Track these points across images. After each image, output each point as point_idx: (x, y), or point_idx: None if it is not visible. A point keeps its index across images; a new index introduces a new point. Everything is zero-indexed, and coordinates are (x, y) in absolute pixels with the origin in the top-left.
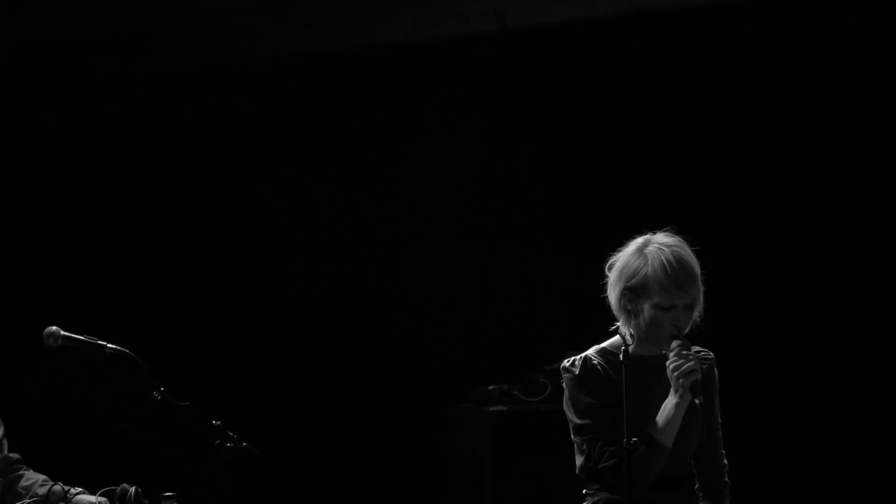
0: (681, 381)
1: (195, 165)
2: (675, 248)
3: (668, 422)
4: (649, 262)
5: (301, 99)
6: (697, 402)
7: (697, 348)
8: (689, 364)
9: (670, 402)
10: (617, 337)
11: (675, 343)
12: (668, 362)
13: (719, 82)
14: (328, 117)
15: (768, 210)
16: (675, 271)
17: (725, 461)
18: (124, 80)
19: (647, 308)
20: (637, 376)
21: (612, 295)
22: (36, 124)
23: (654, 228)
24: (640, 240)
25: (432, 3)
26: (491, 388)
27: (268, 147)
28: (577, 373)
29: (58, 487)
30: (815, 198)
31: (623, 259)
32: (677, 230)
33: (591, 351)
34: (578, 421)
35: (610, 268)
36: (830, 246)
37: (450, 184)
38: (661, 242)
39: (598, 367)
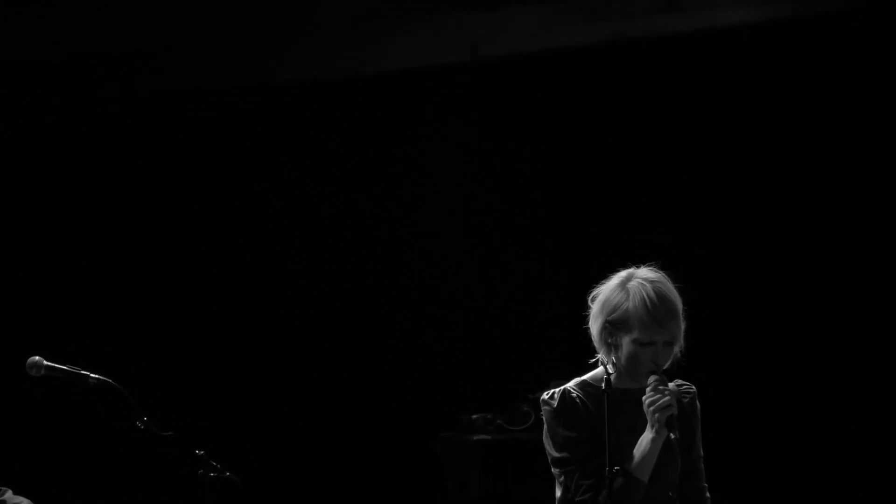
0: (656, 415)
1: (197, 175)
2: (657, 284)
3: (644, 456)
4: (631, 296)
5: (303, 117)
6: (673, 436)
7: (679, 381)
8: (664, 399)
9: (646, 436)
10: (599, 369)
11: (651, 378)
12: (644, 397)
13: (694, 109)
14: (328, 135)
15: (753, 242)
16: (655, 308)
17: (708, 494)
18: (128, 98)
19: (626, 342)
20: (617, 409)
21: (594, 327)
22: (36, 133)
23: (636, 261)
24: (623, 273)
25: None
26: (475, 416)
27: (267, 160)
28: (555, 406)
29: None
30: (797, 233)
31: (605, 292)
32: (661, 265)
33: (571, 384)
34: (556, 454)
35: (592, 299)
36: (815, 284)
37: (436, 214)
38: (643, 277)
39: (577, 401)
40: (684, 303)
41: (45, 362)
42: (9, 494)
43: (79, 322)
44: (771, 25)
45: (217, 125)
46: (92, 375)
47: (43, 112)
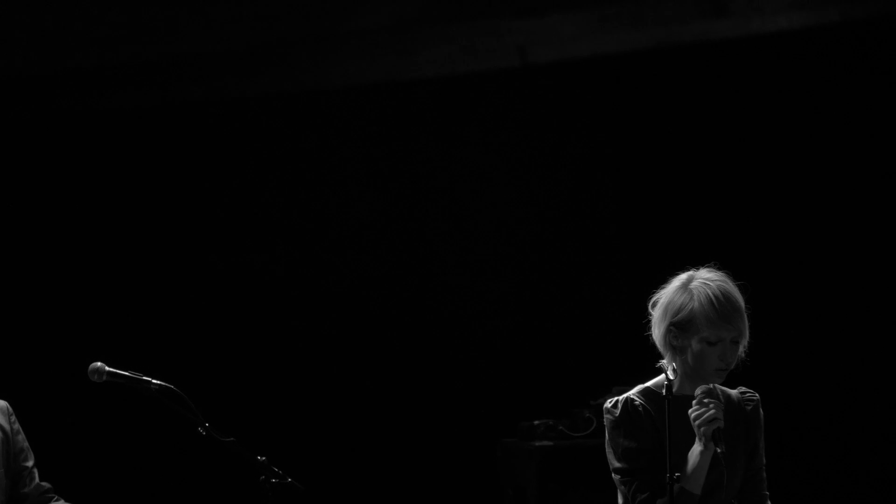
0: (702, 429)
1: (247, 181)
2: (720, 283)
3: (695, 469)
4: (695, 297)
5: (349, 123)
6: (719, 450)
7: (742, 388)
8: (710, 412)
9: (695, 449)
10: (661, 376)
11: (698, 390)
12: (689, 410)
13: (742, 113)
14: (381, 138)
15: (811, 245)
16: (721, 305)
17: (769, 502)
18: (167, 105)
19: (694, 343)
20: (679, 415)
21: (658, 332)
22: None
23: (696, 263)
24: (683, 276)
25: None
26: (536, 423)
27: (320, 165)
28: (617, 414)
29: None
30: (859, 236)
31: (668, 295)
32: (720, 266)
33: (633, 391)
34: (616, 464)
35: (653, 305)
36: (874, 283)
37: (496, 221)
38: (705, 278)
39: (640, 408)
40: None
41: (108, 368)
42: (62, 503)
43: (136, 329)
44: (819, 30)
45: (269, 130)
46: (154, 381)
47: (72, 120)
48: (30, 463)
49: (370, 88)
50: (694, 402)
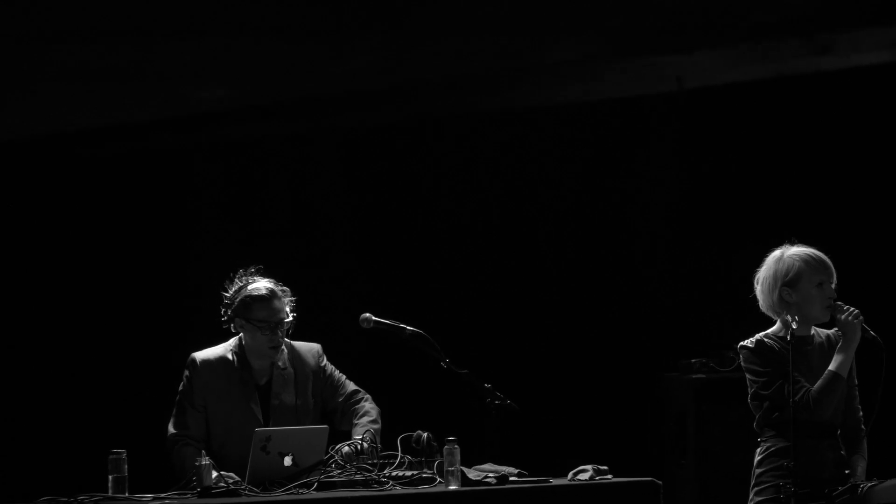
0: (855, 322)
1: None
2: (806, 248)
3: (844, 359)
4: (796, 259)
5: (543, 137)
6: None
7: (835, 329)
8: (854, 310)
9: (845, 345)
10: (776, 325)
11: (836, 304)
12: (838, 315)
13: (845, 137)
14: (561, 150)
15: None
16: (817, 258)
17: (861, 414)
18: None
19: (805, 290)
20: (798, 350)
21: (772, 297)
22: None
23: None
24: (776, 252)
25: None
26: (693, 360)
27: (510, 174)
28: (753, 347)
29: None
30: None
31: (771, 268)
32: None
33: (760, 335)
34: (759, 379)
35: (758, 281)
36: None
37: (660, 191)
38: (794, 249)
39: (769, 344)
40: None
41: (374, 318)
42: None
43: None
44: None
45: (477, 144)
46: (408, 328)
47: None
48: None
49: (560, 108)
50: (837, 312)
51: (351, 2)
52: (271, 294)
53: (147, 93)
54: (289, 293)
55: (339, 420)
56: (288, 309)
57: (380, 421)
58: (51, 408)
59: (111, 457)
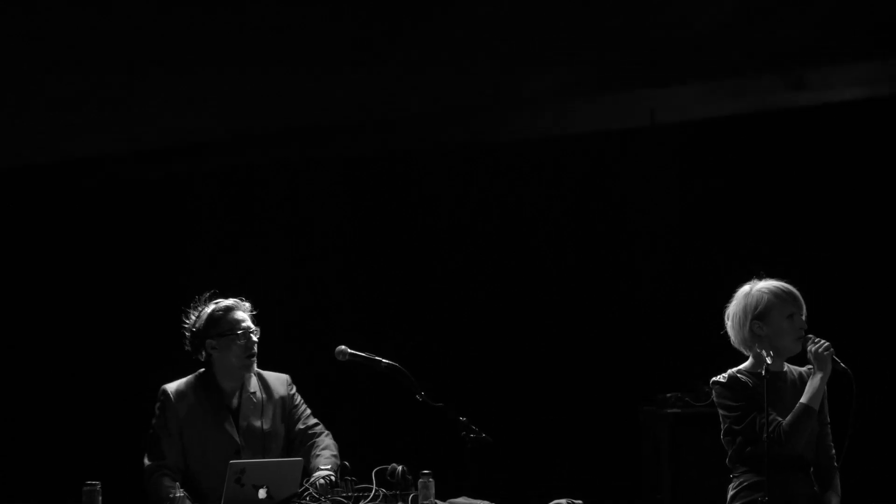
0: (825, 354)
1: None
2: (774, 281)
3: (815, 391)
4: (767, 291)
5: (524, 169)
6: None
7: (808, 366)
8: (825, 343)
9: (816, 377)
10: (749, 361)
11: (807, 336)
12: (809, 347)
13: (818, 170)
14: (542, 183)
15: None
16: (786, 290)
17: (834, 451)
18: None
19: (776, 323)
20: (771, 387)
21: (743, 332)
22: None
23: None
24: (745, 287)
25: (597, 104)
26: (668, 395)
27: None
28: (725, 382)
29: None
30: None
31: (740, 303)
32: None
33: (733, 370)
34: (731, 414)
35: (729, 317)
36: None
37: (637, 228)
38: (762, 283)
39: (742, 379)
40: None
41: (349, 350)
42: (325, 437)
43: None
44: (874, 101)
45: (455, 176)
46: (383, 361)
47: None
48: (304, 419)
49: (533, 143)
50: (809, 343)
51: (341, 34)
52: (234, 304)
53: (140, 122)
54: (249, 306)
55: (297, 449)
56: (252, 319)
57: (342, 459)
58: (27, 439)
59: (85, 488)
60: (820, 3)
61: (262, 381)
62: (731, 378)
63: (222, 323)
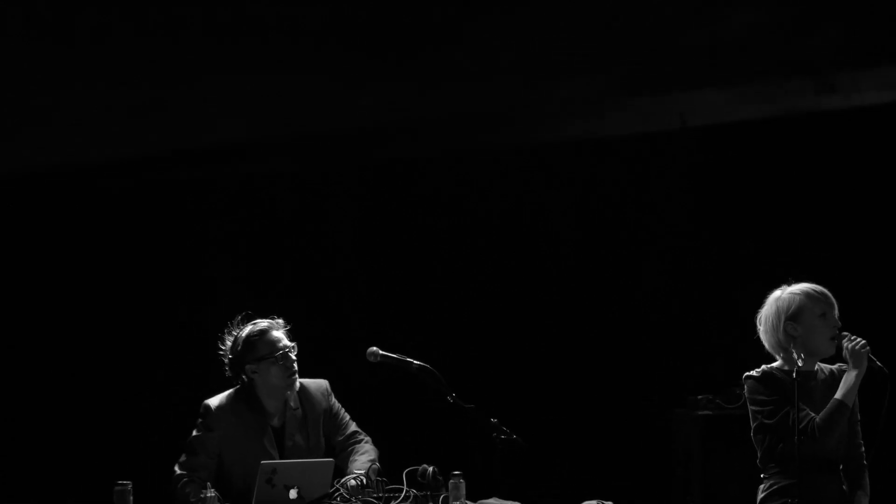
0: (863, 351)
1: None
2: (804, 283)
3: (850, 387)
4: (797, 294)
5: (552, 169)
6: (879, 364)
7: (839, 364)
8: (861, 340)
9: (850, 374)
10: (778, 361)
11: (842, 333)
12: (845, 344)
13: (846, 171)
14: (568, 183)
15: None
16: (817, 290)
17: (863, 449)
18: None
19: (808, 322)
20: (802, 384)
21: (776, 335)
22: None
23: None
24: (776, 292)
25: (629, 109)
26: (700, 397)
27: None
28: (759, 376)
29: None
30: None
31: (772, 307)
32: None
33: (766, 366)
34: (764, 409)
35: (761, 321)
36: None
37: (667, 228)
38: (792, 286)
39: (775, 374)
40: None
41: (381, 352)
42: (365, 443)
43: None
44: None
45: (484, 179)
46: (415, 362)
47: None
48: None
49: (568, 144)
50: (845, 341)
51: (366, 40)
52: (269, 326)
53: (160, 128)
54: (283, 323)
55: (338, 457)
56: (287, 336)
57: (378, 462)
58: (60, 437)
59: (116, 488)
60: (849, 7)
61: (303, 392)
62: (765, 373)
63: (260, 346)
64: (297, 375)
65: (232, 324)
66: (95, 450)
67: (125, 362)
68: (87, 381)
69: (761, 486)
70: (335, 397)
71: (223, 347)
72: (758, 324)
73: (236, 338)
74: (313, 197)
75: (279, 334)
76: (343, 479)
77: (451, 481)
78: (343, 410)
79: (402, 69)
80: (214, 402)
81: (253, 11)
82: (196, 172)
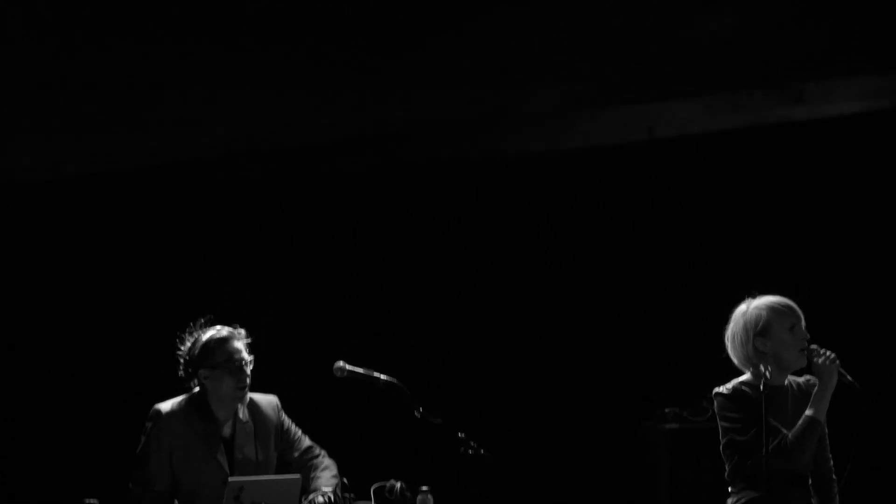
0: (832, 366)
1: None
2: (769, 297)
3: (822, 403)
4: (764, 308)
5: (526, 179)
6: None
7: (807, 377)
8: (832, 354)
9: (821, 389)
10: (747, 375)
11: (811, 347)
12: (815, 358)
13: (814, 183)
14: (540, 194)
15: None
16: (783, 302)
17: (832, 463)
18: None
19: (777, 336)
20: (771, 400)
21: (746, 350)
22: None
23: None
24: (741, 307)
25: (599, 119)
26: (667, 410)
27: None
28: (729, 394)
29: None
30: None
31: (739, 323)
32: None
33: (735, 381)
34: (733, 425)
35: (729, 339)
36: None
37: (638, 244)
38: (756, 300)
39: (745, 391)
40: None
41: (348, 366)
42: (323, 457)
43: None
44: (873, 114)
45: (461, 188)
46: (382, 377)
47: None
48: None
49: (535, 155)
50: (813, 355)
51: (339, 54)
52: (230, 335)
53: (141, 140)
54: (245, 334)
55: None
56: (246, 349)
57: (341, 477)
58: (60, 437)
59: None
60: (818, 18)
61: (252, 406)
62: (735, 389)
63: (217, 354)
64: (248, 389)
65: (194, 325)
66: (95, 450)
67: (124, 363)
68: (86, 381)
69: (729, 500)
70: (286, 415)
71: (181, 348)
72: (726, 341)
73: (195, 340)
74: (295, 208)
75: (239, 345)
76: (311, 497)
77: (420, 497)
78: (294, 426)
79: (373, 77)
80: (166, 406)
81: (234, 25)
82: (181, 184)
